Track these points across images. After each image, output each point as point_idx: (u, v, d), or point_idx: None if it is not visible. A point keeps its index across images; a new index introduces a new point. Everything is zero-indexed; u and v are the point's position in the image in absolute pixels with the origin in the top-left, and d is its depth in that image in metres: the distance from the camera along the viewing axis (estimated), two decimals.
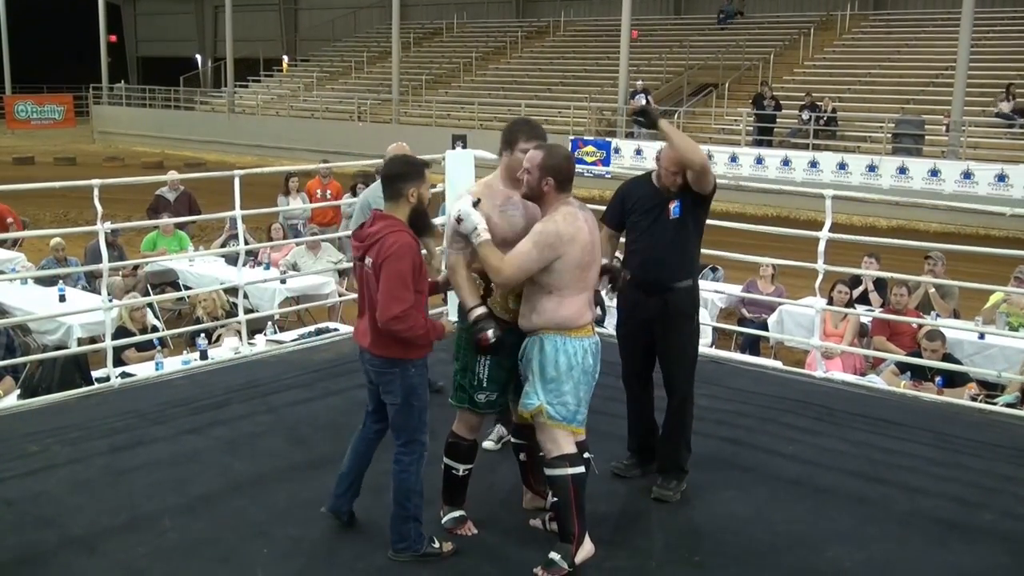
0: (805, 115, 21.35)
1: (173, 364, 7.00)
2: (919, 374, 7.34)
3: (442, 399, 4.97)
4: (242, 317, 7.35)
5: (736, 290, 9.53)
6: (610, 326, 5.39)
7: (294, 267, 10.22)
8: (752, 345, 9.18)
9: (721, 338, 9.53)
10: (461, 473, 4.29)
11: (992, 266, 10.37)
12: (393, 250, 3.79)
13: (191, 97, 35.44)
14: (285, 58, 39.55)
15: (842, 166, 19.98)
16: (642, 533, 4.34)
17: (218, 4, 40.13)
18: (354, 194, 11.92)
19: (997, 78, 21.03)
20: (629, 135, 23.69)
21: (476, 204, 3.97)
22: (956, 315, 9.07)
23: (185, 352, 7.58)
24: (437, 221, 7.31)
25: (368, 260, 3.88)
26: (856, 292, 9.09)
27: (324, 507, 4.26)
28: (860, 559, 4.18)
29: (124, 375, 6.61)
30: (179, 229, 11.30)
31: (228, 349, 7.31)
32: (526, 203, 4.11)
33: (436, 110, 27.21)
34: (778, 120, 22.10)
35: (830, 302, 8.29)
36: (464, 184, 6.36)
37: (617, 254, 5.18)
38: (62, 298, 8.95)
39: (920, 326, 7.94)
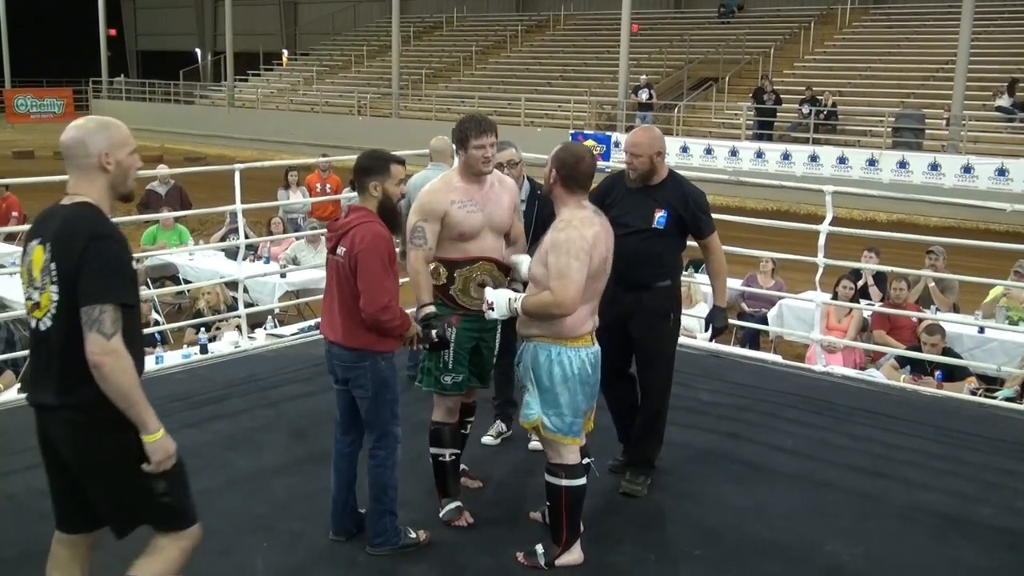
0: (805, 109, 21.33)
1: (173, 358, 7.00)
2: (919, 368, 7.35)
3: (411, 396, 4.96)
4: (242, 311, 7.36)
5: (736, 284, 9.52)
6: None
7: (294, 261, 10.21)
8: (752, 339, 9.18)
9: None
10: (448, 458, 4.34)
11: (992, 260, 10.37)
12: (368, 241, 3.79)
13: (191, 91, 35.43)
14: (285, 52, 39.49)
15: (842, 160, 19.97)
16: (641, 527, 4.34)
17: None
18: (353, 188, 11.89)
19: (997, 72, 21.01)
20: (629, 129, 23.67)
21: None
22: (956, 309, 9.07)
23: (185, 346, 7.58)
24: None
25: (341, 251, 3.87)
26: (856, 286, 9.08)
27: (331, 534, 4.18)
28: (859, 553, 4.19)
29: None
30: (177, 223, 11.30)
31: (228, 343, 7.31)
32: (485, 201, 4.24)
33: (436, 104, 27.18)
34: (778, 114, 22.08)
35: (835, 297, 8.29)
36: None
37: None
38: None
39: (920, 320, 7.94)
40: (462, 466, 4.68)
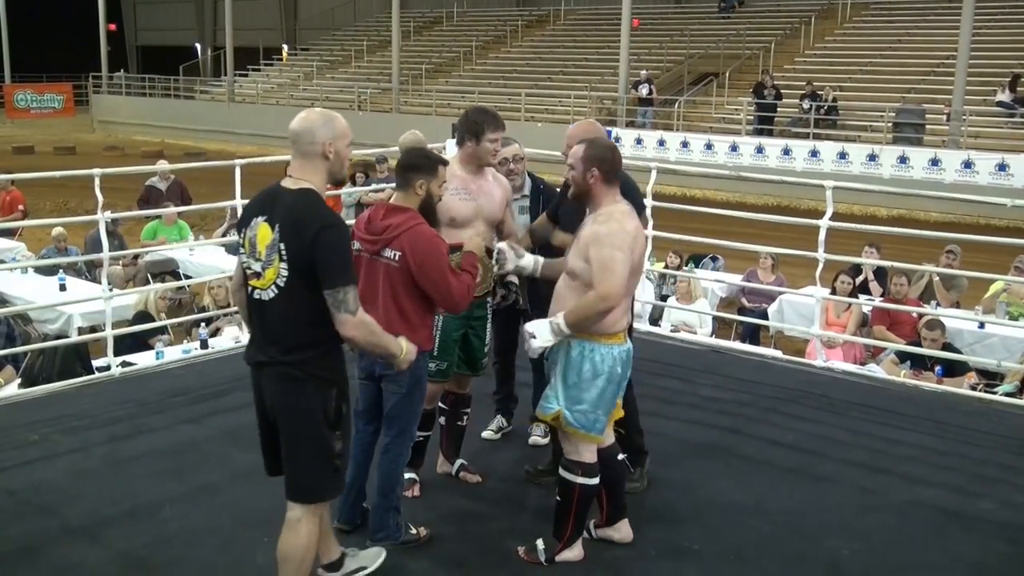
0: (806, 104, 21.32)
1: (174, 353, 7.00)
2: (919, 363, 7.35)
3: None
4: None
5: (736, 279, 9.53)
6: None
7: None
8: (752, 334, 9.18)
9: (721, 327, 9.54)
10: (418, 438, 4.38)
11: (992, 255, 10.37)
12: (427, 247, 3.81)
13: (191, 86, 35.39)
14: (285, 47, 39.47)
15: (843, 155, 19.97)
16: (641, 522, 4.34)
17: None
18: (354, 183, 11.90)
19: (998, 67, 20.99)
20: (630, 124, 23.67)
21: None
22: (956, 304, 9.07)
23: (185, 341, 7.58)
24: None
25: (392, 254, 3.81)
26: (856, 281, 9.08)
27: (335, 520, 4.12)
28: (859, 548, 4.19)
29: (125, 364, 6.61)
30: (179, 218, 11.30)
31: (229, 338, 7.31)
32: (479, 192, 4.35)
33: (436, 99, 27.16)
34: (779, 110, 22.06)
35: (833, 292, 8.30)
36: None
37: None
38: (62, 287, 8.95)
39: (920, 315, 7.94)
40: (461, 460, 4.76)
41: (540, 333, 3.76)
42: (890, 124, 20.10)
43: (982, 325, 8.09)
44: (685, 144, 22.01)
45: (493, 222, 4.47)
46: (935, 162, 18.90)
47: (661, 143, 22.24)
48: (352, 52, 33.99)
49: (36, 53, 40.39)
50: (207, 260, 10.49)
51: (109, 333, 6.39)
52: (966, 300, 9.25)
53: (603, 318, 3.70)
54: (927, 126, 20.12)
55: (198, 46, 43.69)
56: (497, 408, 5.42)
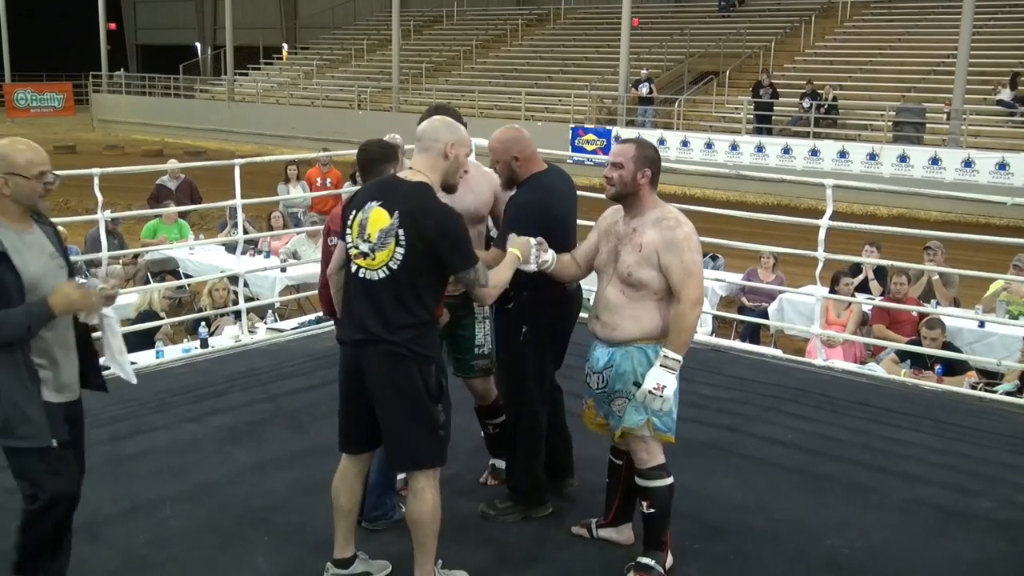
0: (806, 103, 21.31)
1: (173, 352, 7.00)
2: (919, 362, 7.35)
3: None
4: (243, 305, 7.36)
5: (736, 278, 9.53)
6: None
7: (294, 255, 10.22)
8: (752, 333, 9.19)
9: (721, 326, 9.54)
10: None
11: (992, 254, 10.37)
12: None
13: (191, 85, 35.37)
14: (285, 46, 39.43)
15: (843, 154, 19.96)
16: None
17: None
18: (354, 182, 11.90)
19: (998, 66, 20.98)
20: (630, 123, 23.66)
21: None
22: (956, 303, 9.07)
23: (185, 340, 7.58)
24: None
25: None
26: (856, 280, 9.09)
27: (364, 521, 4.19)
28: (859, 547, 4.19)
29: None
30: (181, 218, 11.31)
31: (228, 337, 7.32)
32: (479, 190, 4.29)
33: (436, 98, 27.13)
34: (779, 108, 22.06)
35: (833, 292, 8.29)
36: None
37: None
38: None
39: (920, 314, 7.94)
40: (493, 461, 4.76)
41: (668, 382, 3.64)
42: (890, 123, 20.09)
43: (982, 324, 8.09)
44: (685, 143, 22.01)
45: (478, 218, 4.36)
46: (935, 161, 18.90)
47: (661, 142, 22.22)
48: (352, 51, 33.97)
49: (36, 52, 40.37)
50: (207, 259, 10.49)
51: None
52: (966, 299, 9.25)
53: (663, 318, 3.72)
54: (927, 125, 20.12)
55: (198, 45, 43.68)
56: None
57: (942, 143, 19.48)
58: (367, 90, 28.84)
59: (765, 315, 9.05)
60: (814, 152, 20.30)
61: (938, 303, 8.82)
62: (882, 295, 8.97)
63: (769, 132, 21.67)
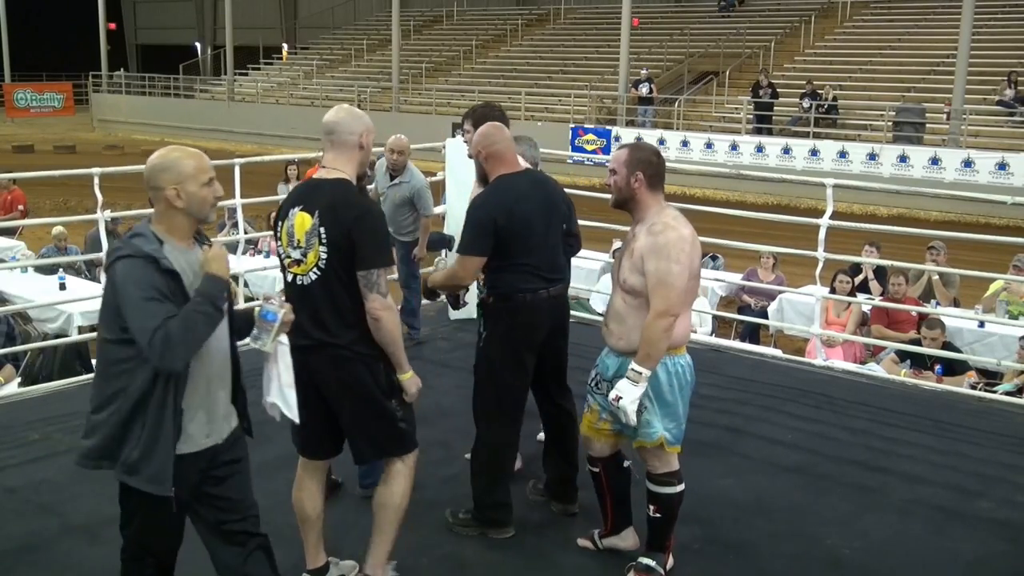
0: (806, 103, 21.31)
1: None
2: (919, 362, 7.35)
3: None
4: (242, 305, 7.35)
5: (736, 278, 9.53)
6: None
7: None
8: (752, 333, 9.19)
9: (721, 326, 9.54)
10: None
11: (992, 254, 10.37)
12: None
13: (191, 85, 35.37)
14: (285, 46, 39.44)
15: (843, 154, 19.97)
16: (642, 522, 4.34)
17: None
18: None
19: (998, 66, 20.98)
20: (630, 123, 23.67)
21: None
22: (956, 303, 9.07)
23: None
24: (438, 209, 7.36)
25: None
26: (856, 280, 9.09)
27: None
28: (859, 546, 4.19)
29: None
30: None
31: None
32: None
33: (436, 98, 27.15)
34: (779, 108, 22.06)
35: (832, 292, 8.30)
36: (463, 172, 6.33)
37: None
38: (62, 286, 8.95)
39: (920, 314, 7.94)
40: None
41: (626, 393, 3.58)
42: (890, 123, 20.10)
43: (982, 324, 8.09)
44: (685, 143, 22.01)
45: None
46: (935, 161, 18.91)
47: (661, 142, 22.22)
48: (352, 51, 33.98)
49: (36, 52, 40.38)
50: None
51: None
52: (966, 299, 9.25)
53: (670, 335, 3.59)
54: (927, 125, 20.12)
55: (198, 45, 43.66)
56: None
57: (942, 143, 19.49)
58: (367, 90, 28.83)
59: (765, 315, 9.05)
60: (814, 152, 20.30)
61: (938, 303, 8.82)
62: (882, 295, 8.97)
63: (769, 132, 21.68)
